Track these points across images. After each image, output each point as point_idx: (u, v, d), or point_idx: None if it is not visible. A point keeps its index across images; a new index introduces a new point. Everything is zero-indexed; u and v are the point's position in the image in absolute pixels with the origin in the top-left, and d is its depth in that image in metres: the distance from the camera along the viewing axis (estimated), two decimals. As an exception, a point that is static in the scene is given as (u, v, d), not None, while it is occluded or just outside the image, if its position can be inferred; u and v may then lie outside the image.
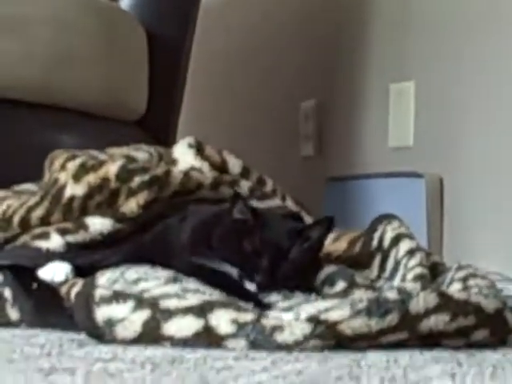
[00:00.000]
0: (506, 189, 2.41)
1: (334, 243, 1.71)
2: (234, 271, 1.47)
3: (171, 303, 1.31)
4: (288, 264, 1.49)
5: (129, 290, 1.37)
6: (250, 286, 1.45)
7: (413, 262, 1.58)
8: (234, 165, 1.79)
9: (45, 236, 1.64)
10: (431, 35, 2.62)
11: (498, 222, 2.42)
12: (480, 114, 2.49)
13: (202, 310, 1.30)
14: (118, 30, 2.35)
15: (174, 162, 1.77)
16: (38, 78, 2.15)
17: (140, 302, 1.32)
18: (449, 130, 2.56)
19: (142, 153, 1.80)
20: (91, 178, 1.66)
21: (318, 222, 1.61)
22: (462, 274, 1.56)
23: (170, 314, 1.30)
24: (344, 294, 1.47)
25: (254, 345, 1.26)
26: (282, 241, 1.51)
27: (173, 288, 1.37)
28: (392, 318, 1.27)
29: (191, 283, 1.40)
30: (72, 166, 1.69)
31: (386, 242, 1.66)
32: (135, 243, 1.60)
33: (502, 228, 2.41)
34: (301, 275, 1.51)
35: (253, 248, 1.49)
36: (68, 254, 1.62)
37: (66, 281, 1.56)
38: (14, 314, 1.60)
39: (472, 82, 2.51)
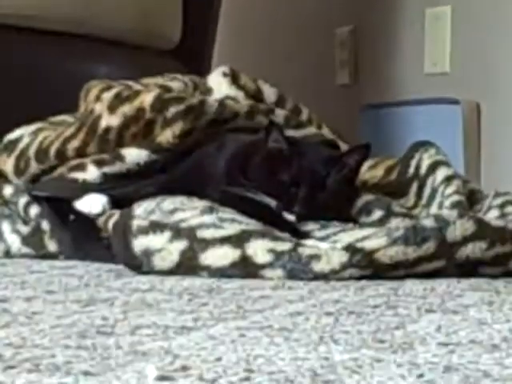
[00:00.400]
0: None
1: (371, 171, 1.71)
2: (271, 202, 1.48)
3: (208, 233, 1.32)
4: (325, 193, 1.50)
5: (165, 220, 1.38)
6: (289, 217, 1.46)
7: (450, 189, 1.58)
8: (270, 93, 1.78)
9: (81, 167, 1.65)
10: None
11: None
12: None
13: (238, 240, 1.30)
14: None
15: (208, 91, 1.77)
16: (72, 6, 2.14)
17: (177, 232, 1.33)
18: (486, 55, 2.54)
19: (176, 82, 1.80)
20: (126, 109, 1.66)
21: (354, 149, 1.61)
22: (499, 201, 1.56)
23: (206, 243, 1.31)
24: (381, 222, 1.48)
25: (290, 274, 1.27)
26: (319, 169, 1.51)
27: (209, 218, 1.37)
28: (429, 246, 1.27)
29: (227, 213, 1.40)
30: (107, 96, 1.69)
31: (423, 170, 1.66)
32: (171, 173, 1.60)
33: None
34: (338, 205, 1.51)
35: (290, 177, 1.49)
36: (104, 185, 1.62)
37: (103, 212, 1.58)
38: (52, 245, 1.62)
39: (510, 7, 2.49)
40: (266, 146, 1.52)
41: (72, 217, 1.61)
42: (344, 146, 1.74)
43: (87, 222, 1.59)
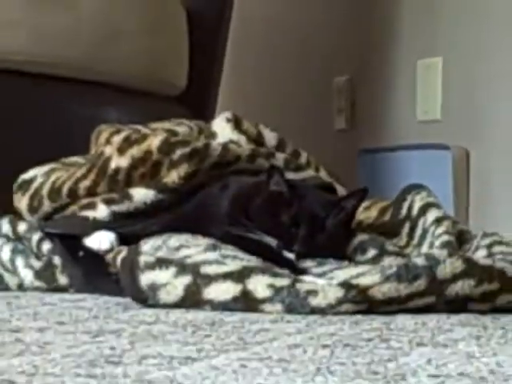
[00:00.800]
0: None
1: (366, 212, 1.71)
2: (272, 241, 1.48)
3: (211, 269, 1.32)
4: (323, 234, 1.50)
5: (171, 256, 1.38)
6: (289, 255, 1.46)
7: (440, 229, 1.58)
8: (270, 138, 1.79)
9: (91, 206, 1.66)
10: (459, 13, 2.61)
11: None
12: (506, 89, 2.47)
13: (240, 275, 1.30)
14: (160, 9, 2.35)
15: (213, 135, 1.77)
16: (84, 54, 2.15)
17: (182, 267, 1.33)
18: (475, 104, 2.55)
19: (182, 127, 1.80)
20: (135, 151, 1.66)
21: (352, 193, 1.61)
22: (487, 241, 1.56)
23: (210, 279, 1.31)
24: (375, 260, 1.48)
25: (289, 308, 1.27)
26: (318, 211, 1.51)
27: (212, 255, 1.38)
28: (420, 283, 1.27)
29: (230, 250, 1.41)
30: (117, 139, 1.70)
31: (415, 211, 1.66)
32: (176, 213, 1.60)
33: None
34: (334, 245, 1.51)
35: (290, 218, 1.49)
36: (113, 223, 1.63)
37: (111, 249, 1.58)
38: (62, 279, 1.62)
39: (498, 59, 2.50)
40: (267, 189, 1.53)
41: (82, 253, 1.61)
42: (340, 189, 1.74)
43: (96, 257, 1.59)
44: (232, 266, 1.33)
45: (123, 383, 0.73)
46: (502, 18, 2.47)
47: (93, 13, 2.15)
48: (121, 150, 1.67)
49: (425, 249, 1.57)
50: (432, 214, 1.63)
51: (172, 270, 1.33)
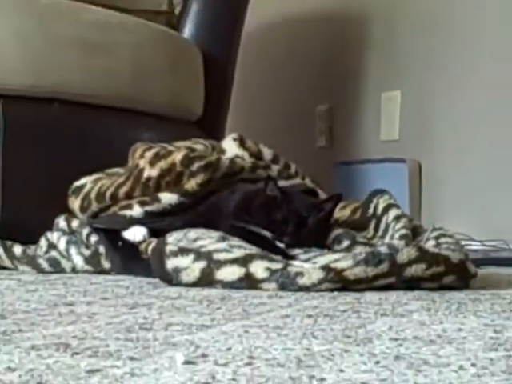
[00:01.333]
0: (469, 172, 2.40)
1: (341, 211, 1.71)
2: (268, 234, 1.48)
3: (221, 256, 1.32)
4: (307, 230, 1.50)
5: (190, 246, 1.38)
6: (280, 245, 1.46)
7: (399, 225, 1.58)
8: (267, 153, 1.79)
9: (129, 207, 1.66)
10: (413, 55, 2.61)
11: (463, 197, 2.42)
12: (450, 116, 2.47)
13: (244, 261, 1.30)
14: (181, 53, 2.35)
15: (222, 151, 1.77)
16: (124, 88, 2.15)
17: (198, 255, 1.33)
18: (425, 127, 2.56)
19: (199, 145, 1.80)
20: (162, 164, 1.66)
21: (330, 197, 1.61)
22: (435, 233, 1.56)
23: (220, 263, 1.31)
24: (348, 249, 1.48)
25: (281, 287, 1.27)
26: (303, 212, 1.51)
27: (222, 245, 1.38)
28: (383, 267, 1.27)
29: (236, 241, 1.41)
30: (148, 154, 1.70)
31: (379, 210, 1.66)
32: (194, 212, 1.60)
33: (465, 201, 2.41)
34: (316, 237, 1.51)
35: (281, 217, 1.49)
36: (145, 220, 1.63)
37: (143, 240, 1.58)
38: (106, 264, 1.63)
39: (445, 91, 2.50)
40: (264, 194, 1.52)
41: (120, 243, 1.62)
42: (321, 193, 1.74)
43: (132, 247, 1.60)
44: (237, 253, 1.33)
45: (153, 345, 0.72)
46: (447, 61, 2.48)
47: (129, 58, 2.16)
48: (151, 163, 1.68)
49: (387, 240, 1.56)
50: (392, 213, 1.63)
51: (191, 256, 1.33)
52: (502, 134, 2.31)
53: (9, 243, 1.77)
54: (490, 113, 2.34)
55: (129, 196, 1.68)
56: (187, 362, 0.64)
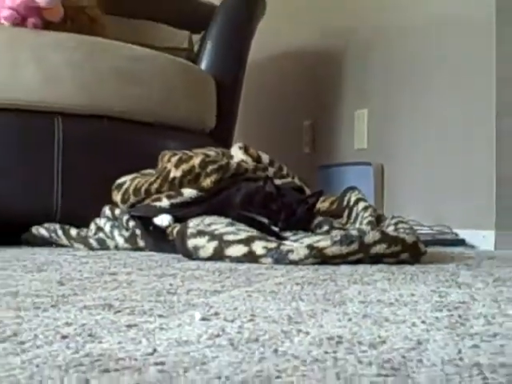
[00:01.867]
0: (420, 173, 2.40)
1: (322, 203, 1.72)
2: (266, 220, 1.48)
3: (230, 237, 1.33)
4: (296, 218, 1.50)
5: (206, 229, 1.38)
6: (275, 229, 1.46)
7: (366, 213, 1.58)
8: (265, 158, 1.79)
9: (158, 199, 1.66)
10: (378, 81, 2.61)
11: (415, 192, 2.42)
12: (407, 129, 2.48)
13: (247, 241, 1.31)
14: (198, 80, 2.35)
15: (231, 157, 1.78)
16: (155, 108, 2.15)
17: (212, 236, 1.34)
18: (387, 138, 2.56)
19: (212, 152, 1.81)
20: (184, 166, 1.67)
21: (314, 193, 1.62)
22: (394, 220, 1.56)
23: (229, 243, 1.31)
24: (327, 232, 1.48)
25: (276, 261, 1.27)
26: (293, 204, 1.52)
27: (231, 228, 1.38)
28: (354, 246, 1.28)
29: (241, 226, 1.41)
30: (174, 159, 1.70)
31: (351, 202, 1.67)
32: (209, 204, 1.61)
33: (417, 195, 2.41)
34: (303, 223, 1.52)
35: (276, 208, 1.50)
36: (171, 209, 1.63)
37: (169, 225, 1.59)
38: (141, 243, 1.64)
39: (403, 110, 2.50)
40: (263, 190, 1.53)
41: (151, 227, 1.62)
42: (307, 189, 1.74)
43: (161, 230, 1.60)
44: (242, 235, 1.33)
45: (177, 306, 0.73)
46: (402, 86, 2.48)
47: (159, 84, 2.15)
48: (176, 166, 1.68)
49: (357, 225, 1.57)
50: (361, 205, 1.64)
51: (206, 237, 1.34)
52: (445, 144, 2.30)
53: (66, 227, 1.78)
54: (437, 127, 2.34)
55: (158, 191, 1.68)
56: (203, 319, 0.64)
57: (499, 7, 2.11)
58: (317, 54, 2.94)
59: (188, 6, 2.58)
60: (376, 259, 1.30)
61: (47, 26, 2.01)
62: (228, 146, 2.10)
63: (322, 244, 1.27)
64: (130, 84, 2.08)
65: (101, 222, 1.74)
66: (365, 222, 1.55)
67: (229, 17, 2.48)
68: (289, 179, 1.76)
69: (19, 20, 1.97)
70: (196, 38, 2.55)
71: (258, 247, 1.29)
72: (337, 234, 1.35)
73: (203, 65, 2.43)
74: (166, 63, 2.22)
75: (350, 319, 0.65)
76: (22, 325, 0.60)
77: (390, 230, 1.47)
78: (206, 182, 1.64)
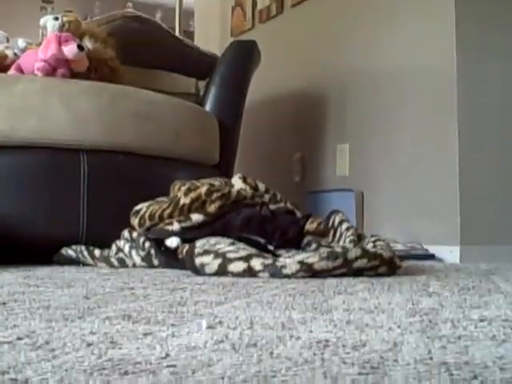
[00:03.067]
0: (395, 198, 2.41)
1: (310, 224, 1.72)
2: (262, 240, 1.48)
3: (232, 255, 1.32)
4: (288, 237, 1.50)
5: (211, 248, 1.38)
6: (270, 247, 1.46)
7: (349, 233, 1.58)
8: (261, 187, 1.79)
9: (170, 224, 1.66)
10: (357, 120, 2.63)
11: (391, 214, 2.42)
12: (383, 160, 2.49)
13: (246, 258, 1.31)
14: (204, 121, 2.35)
15: (232, 185, 1.78)
16: (167, 144, 2.16)
17: (216, 254, 1.33)
18: (366, 168, 2.56)
19: (217, 181, 1.81)
20: (192, 195, 1.67)
21: (304, 216, 1.62)
22: (373, 239, 1.56)
23: (231, 260, 1.31)
24: (315, 250, 1.48)
25: (272, 275, 1.27)
26: (286, 226, 1.51)
27: (232, 247, 1.38)
28: (339, 261, 1.27)
29: (241, 245, 1.41)
30: (183, 188, 1.71)
31: (336, 223, 1.67)
32: (214, 226, 1.60)
33: (393, 217, 2.41)
34: (294, 242, 1.52)
35: (271, 229, 1.49)
36: (182, 232, 1.63)
37: (177, 246, 1.57)
38: (155, 261, 1.63)
39: (379, 144, 2.52)
40: (260, 214, 1.53)
41: (163, 248, 1.61)
42: (298, 212, 1.74)
43: (172, 250, 1.59)
44: (242, 253, 1.33)
45: (186, 316, 0.73)
46: (377, 124, 2.49)
47: (171, 124, 2.16)
48: (185, 194, 1.68)
49: (341, 243, 1.57)
50: (344, 225, 1.64)
51: (211, 255, 1.34)
52: (416, 173, 2.31)
53: (91, 248, 1.78)
54: (408, 159, 2.35)
55: (170, 216, 1.68)
56: (209, 327, 0.64)
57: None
58: (304, 99, 2.96)
59: (193, 57, 2.60)
60: (358, 272, 1.29)
61: (74, 75, 2.03)
62: (229, 176, 2.10)
63: (311, 260, 1.27)
64: (146, 124, 2.09)
65: (121, 243, 1.73)
66: (348, 240, 1.55)
67: (229, 67, 2.51)
68: (282, 204, 1.76)
69: (50, 71, 1.98)
70: (201, 84, 2.57)
71: (256, 263, 1.29)
72: (324, 251, 1.36)
73: (208, 107, 2.45)
74: (177, 105, 2.24)
75: (335, 325, 0.65)
76: (53, 334, 0.60)
77: (370, 246, 1.47)
78: (211, 208, 1.64)
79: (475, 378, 0.42)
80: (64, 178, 1.93)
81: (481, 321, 0.67)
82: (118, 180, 2.01)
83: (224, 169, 2.39)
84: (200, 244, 1.44)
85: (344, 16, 2.74)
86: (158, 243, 1.63)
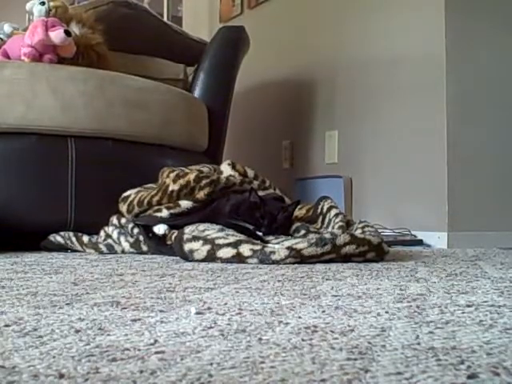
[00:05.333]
0: (383, 184, 2.41)
1: (299, 210, 1.72)
2: (251, 226, 1.48)
3: (221, 241, 1.32)
4: (277, 223, 1.50)
5: (200, 235, 1.38)
6: (259, 233, 1.46)
7: (337, 219, 1.58)
8: (250, 173, 1.79)
9: (159, 210, 1.65)
10: (346, 107, 2.62)
11: (379, 200, 2.43)
12: (371, 147, 2.49)
13: (235, 244, 1.31)
14: (193, 107, 2.34)
15: (221, 172, 1.78)
16: (156, 131, 2.15)
17: (205, 240, 1.33)
18: (354, 155, 2.57)
19: (205, 168, 1.81)
20: (181, 181, 1.66)
21: (292, 202, 1.62)
22: (361, 225, 1.57)
23: (220, 246, 1.31)
24: (304, 236, 1.48)
25: (260, 261, 1.27)
26: (274, 212, 1.52)
27: (221, 234, 1.38)
28: (327, 247, 1.28)
29: (230, 231, 1.41)
30: (172, 175, 1.70)
31: (324, 210, 1.67)
32: (202, 213, 1.61)
33: (381, 203, 2.42)
34: (283, 228, 1.52)
35: (260, 215, 1.50)
36: (171, 219, 1.63)
37: (165, 233, 1.57)
38: (144, 247, 1.62)
39: (367, 131, 2.52)
40: (249, 200, 1.53)
41: (151, 234, 1.61)
42: (286, 199, 1.75)
43: (159, 237, 1.59)
44: (231, 239, 1.33)
45: (175, 302, 0.72)
46: (366, 111, 2.49)
47: (159, 110, 2.15)
48: (174, 181, 1.68)
49: (330, 229, 1.57)
50: (333, 211, 1.64)
51: (200, 242, 1.34)
52: (404, 159, 2.32)
53: (79, 234, 1.77)
54: (396, 145, 2.36)
55: (159, 203, 1.68)
56: (198, 313, 0.64)
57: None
58: (293, 85, 2.96)
59: (181, 43, 2.58)
60: (346, 258, 1.30)
61: (61, 61, 2.00)
62: (218, 162, 2.10)
63: (299, 246, 1.27)
64: (135, 111, 2.08)
65: (109, 229, 1.73)
66: (336, 226, 1.55)
67: (218, 53, 2.49)
68: (271, 190, 1.76)
69: (37, 56, 1.96)
70: (190, 70, 2.55)
71: (245, 249, 1.29)
72: (312, 237, 1.36)
73: (196, 93, 2.44)
74: (166, 92, 2.22)
75: (323, 311, 0.65)
76: (41, 321, 0.59)
77: (358, 232, 1.48)
78: (200, 195, 1.64)
79: (462, 362, 0.42)
80: (52, 165, 1.91)
81: (468, 306, 0.68)
82: (105, 166, 2.00)
83: (213, 155, 2.38)
84: (189, 230, 1.43)
85: (333, 2, 2.73)
86: (147, 230, 1.62)
